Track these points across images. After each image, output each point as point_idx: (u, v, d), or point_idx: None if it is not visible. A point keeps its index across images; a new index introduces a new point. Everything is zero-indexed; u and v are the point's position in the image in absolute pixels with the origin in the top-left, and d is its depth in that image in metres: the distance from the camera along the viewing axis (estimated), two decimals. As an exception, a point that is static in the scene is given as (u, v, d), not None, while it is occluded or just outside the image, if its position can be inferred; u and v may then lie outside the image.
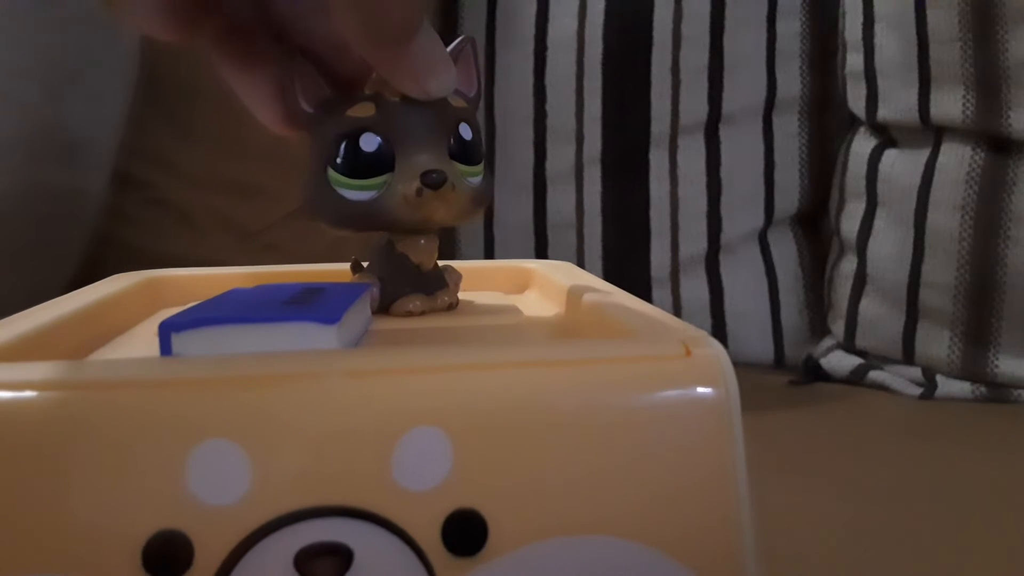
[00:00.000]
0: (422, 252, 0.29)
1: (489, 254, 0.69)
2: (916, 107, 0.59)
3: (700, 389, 0.19)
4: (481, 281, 0.35)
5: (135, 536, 0.17)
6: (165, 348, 0.21)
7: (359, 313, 0.25)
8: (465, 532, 0.18)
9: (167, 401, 0.18)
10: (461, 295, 0.31)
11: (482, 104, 0.69)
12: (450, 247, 0.70)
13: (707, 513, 0.19)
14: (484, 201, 0.29)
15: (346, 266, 0.32)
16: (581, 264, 0.68)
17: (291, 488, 0.18)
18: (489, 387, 0.19)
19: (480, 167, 0.29)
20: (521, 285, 0.35)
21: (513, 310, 0.30)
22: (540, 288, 0.33)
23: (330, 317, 0.21)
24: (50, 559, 0.17)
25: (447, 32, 0.70)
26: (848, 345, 0.63)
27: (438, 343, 0.25)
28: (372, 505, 0.18)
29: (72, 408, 0.18)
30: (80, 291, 0.29)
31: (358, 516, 0.18)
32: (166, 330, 0.21)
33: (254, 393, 0.18)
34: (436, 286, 0.30)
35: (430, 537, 0.18)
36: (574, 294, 0.28)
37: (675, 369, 0.20)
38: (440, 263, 0.31)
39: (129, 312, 0.29)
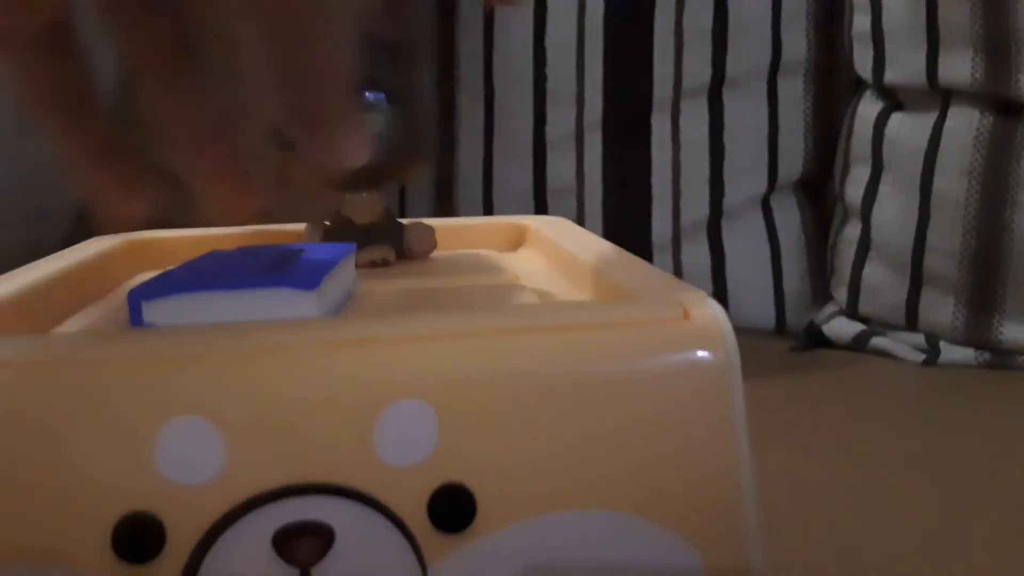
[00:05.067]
0: (359, 207, 0.29)
1: (488, 219, 0.69)
2: (924, 70, 0.58)
3: (699, 353, 0.19)
4: (475, 238, 0.34)
5: (103, 519, 0.17)
6: (135, 318, 0.20)
7: (342, 276, 0.24)
8: (452, 508, 0.18)
9: (132, 377, 0.17)
10: (455, 253, 0.31)
11: (480, 67, 0.68)
12: (449, 212, 0.70)
13: (706, 482, 0.18)
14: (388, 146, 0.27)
15: None
16: (581, 230, 0.67)
17: (267, 466, 0.17)
18: (475, 356, 0.18)
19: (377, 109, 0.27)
20: (515, 242, 0.34)
21: (505, 270, 0.29)
22: (535, 245, 0.33)
23: (309, 282, 0.20)
24: (13, 546, 0.16)
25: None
26: (851, 311, 0.63)
27: (423, 308, 0.24)
28: (353, 482, 0.17)
29: (32, 385, 0.17)
30: (60, 254, 0.28)
31: (339, 493, 0.17)
32: (136, 299, 0.20)
33: (226, 367, 0.17)
34: (379, 240, 0.30)
35: (416, 514, 0.17)
36: (569, 253, 0.27)
37: (672, 333, 0.19)
38: (415, 220, 0.31)
39: (110, 275, 0.29)
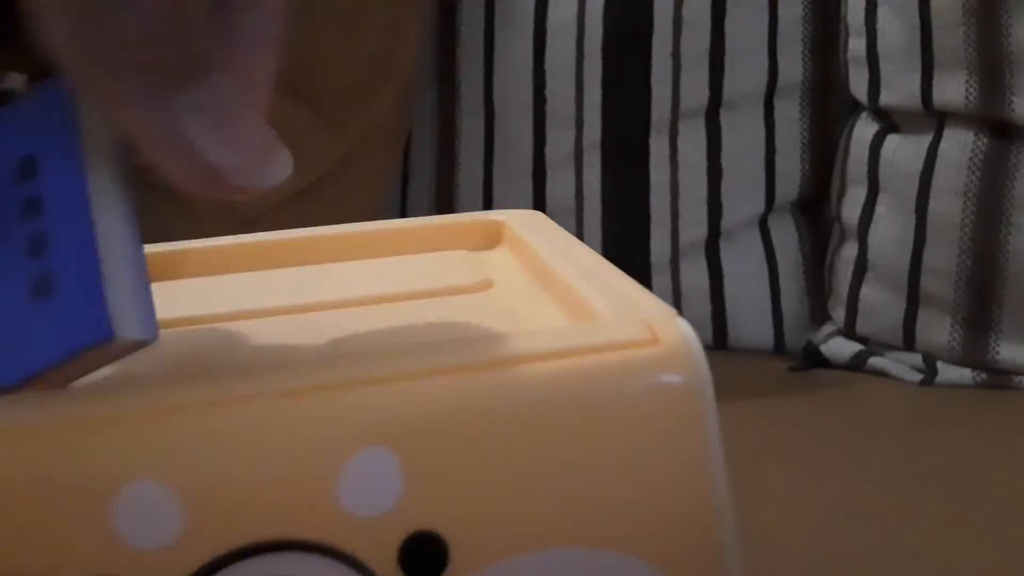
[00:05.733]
0: None
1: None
2: (918, 92, 0.59)
3: (668, 377, 0.18)
4: (447, 238, 0.31)
5: None
6: None
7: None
8: (424, 556, 0.17)
9: (81, 443, 0.17)
10: (425, 256, 0.30)
11: (481, 88, 0.69)
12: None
13: (682, 509, 0.18)
14: None
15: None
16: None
17: (229, 525, 0.17)
18: (434, 396, 0.17)
19: None
20: (491, 240, 0.32)
21: (473, 279, 0.27)
22: (510, 244, 0.31)
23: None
24: None
25: (445, 17, 0.69)
26: (848, 331, 0.63)
27: (376, 331, 0.23)
28: (320, 536, 0.17)
29: None
30: None
31: (306, 549, 0.17)
32: None
33: (177, 425, 0.17)
34: None
35: (386, 565, 0.17)
36: (541, 259, 0.26)
37: (640, 357, 0.18)
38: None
39: None
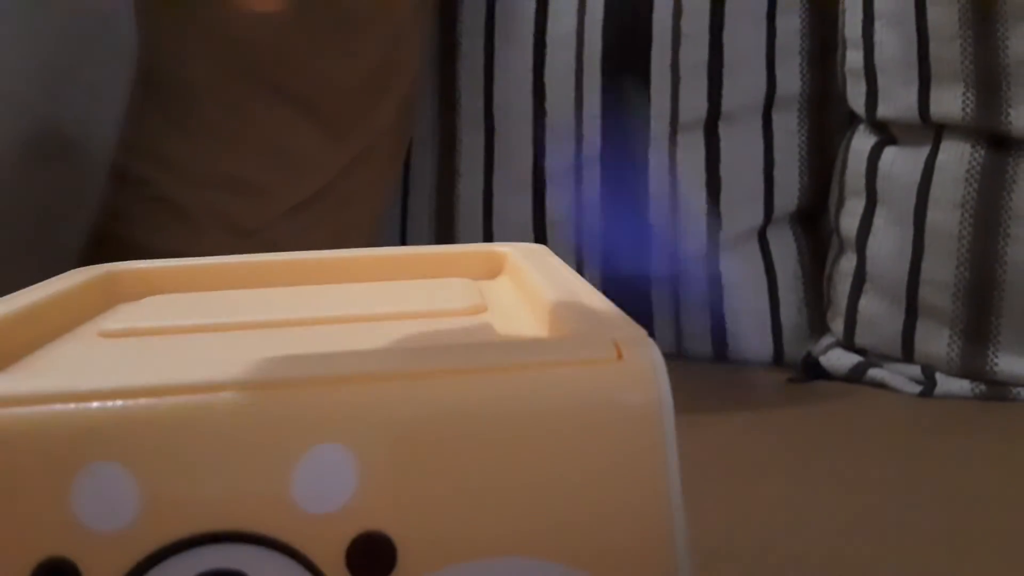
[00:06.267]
0: None
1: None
2: (916, 104, 0.59)
3: (628, 397, 0.18)
4: (453, 267, 0.33)
5: (19, 566, 0.16)
6: None
7: None
8: (371, 556, 0.17)
9: (47, 422, 0.17)
10: (429, 281, 0.31)
11: (481, 100, 0.69)
12: (449, 243, 0.70)
13: (634, 529, 0.18)
14: None
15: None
16: (580, 261, 0.68)
17: (183, 513, 0.17)
18: (396, 399, 0.18)
19: None
20: (494, 270, 0.33)
21: (467, 302, 0.28)
22: (511, 274, 0.32)
23: None
24: None
25: (446, 29, 0.70)
26: (847, 343, 0.63)
27: (358, 340, 0.24)
28: (270, 529, 0.17)
29: None
30: (31, 288, 0.27)
31: (255, 541, 0.17)
32: None
33: (141, 411, 0.17)
34: None
35: (334, 562, 0.17)
36: (533, 285, 0.26)
37: (602, 375, 0.18)
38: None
39: (80, 310, 0.28)
